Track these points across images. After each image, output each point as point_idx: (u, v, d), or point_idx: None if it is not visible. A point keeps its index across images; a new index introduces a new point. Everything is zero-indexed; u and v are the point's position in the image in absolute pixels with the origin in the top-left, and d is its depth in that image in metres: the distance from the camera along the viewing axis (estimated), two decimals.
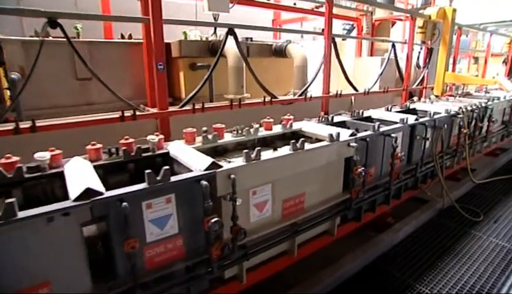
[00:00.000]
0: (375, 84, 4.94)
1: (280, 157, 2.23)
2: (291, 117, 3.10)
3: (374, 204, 3.23)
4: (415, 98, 4.92)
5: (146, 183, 1.72)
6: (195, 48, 4.53)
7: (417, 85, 5.96)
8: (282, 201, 2.37)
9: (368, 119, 3.82)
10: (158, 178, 1.75)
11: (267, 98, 3.68)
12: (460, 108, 4.28)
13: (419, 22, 5.62)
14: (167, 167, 1.77)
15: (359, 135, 2.80)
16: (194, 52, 4.53)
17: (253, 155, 2.09)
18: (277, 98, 3.69)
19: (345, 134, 2.71)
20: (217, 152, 2.70)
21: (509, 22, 11.73)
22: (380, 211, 3.43)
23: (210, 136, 2.53)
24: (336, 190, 2.76)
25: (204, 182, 1.83)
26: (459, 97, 5.56)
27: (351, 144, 2.61)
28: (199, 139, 2.52)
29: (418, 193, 4.01)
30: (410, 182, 3.80)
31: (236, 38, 3.33)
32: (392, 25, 7.32)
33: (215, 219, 1.82)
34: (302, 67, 4.86)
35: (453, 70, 6.68)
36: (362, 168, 2.59)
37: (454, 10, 5.49)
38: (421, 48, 5.85)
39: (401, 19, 7.13)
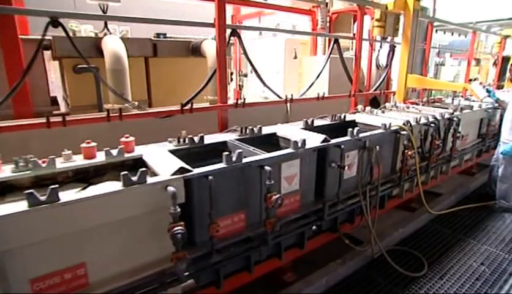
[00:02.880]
0: (309, 89, 4.00)
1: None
2: (131, 139, 2.21)
3: (249, 261, 2.31)
4: (359, 107, 3.95)
5: None
6: (78, 46, 3.65)
7: (376, 89, 4.97)
8: (30, 281, 1.48)
9: (272, 137, 2.90)
10: None
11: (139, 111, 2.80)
12: (408, 121, 3.31)
13: (377, 14, 4.66)
14: None
15: (198, 170, 1.88)
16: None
17: None
18: (145, 110, 2.80)
19: (169, 169, 1.80)
20: None
21: (507, 20, 10.55)
22: (272, 266, 2.51)
23: None
24: (161, 253, 1.86)
25: None
26: (423, 104, 4.55)
27: (168, 187, 1.71)
28: None
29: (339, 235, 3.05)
30: (326, 224, 2.85)
31: (65, 31, 2.46)
32: (355, 20, 6.33)
33: None
34: None
35: (424, 73, 5.64)
36: (179, 228, 1.67)
37: (417, 0, 4.50)
38: (381, 45, 4.86)
39: (365, 12, 6.13)
